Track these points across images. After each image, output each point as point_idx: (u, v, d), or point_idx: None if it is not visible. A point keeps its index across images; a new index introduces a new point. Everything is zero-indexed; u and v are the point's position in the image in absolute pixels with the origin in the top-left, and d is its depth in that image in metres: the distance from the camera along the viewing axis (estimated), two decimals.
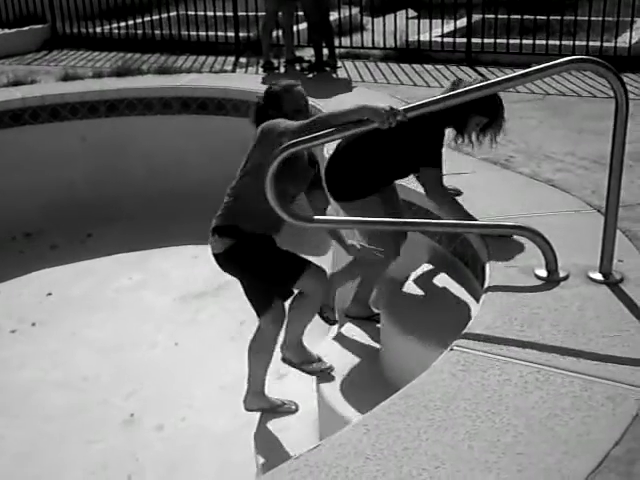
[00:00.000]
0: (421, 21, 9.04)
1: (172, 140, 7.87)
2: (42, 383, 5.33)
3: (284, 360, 4.25)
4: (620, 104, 3.31)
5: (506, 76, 3.48)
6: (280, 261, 3.98)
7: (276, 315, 4.08)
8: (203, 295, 6.32)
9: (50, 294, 6.54)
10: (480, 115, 4.02)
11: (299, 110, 3.99)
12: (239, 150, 7.43)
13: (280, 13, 8.58)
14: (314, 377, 4.25)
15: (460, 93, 3.43)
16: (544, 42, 8.20)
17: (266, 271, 3.98)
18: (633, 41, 8.13)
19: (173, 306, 6.24)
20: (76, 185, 7.88)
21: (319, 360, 4.25)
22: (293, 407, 4.37)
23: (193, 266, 6.72)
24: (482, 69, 8.16)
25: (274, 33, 8.95)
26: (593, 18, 8.47)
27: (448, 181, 4.22)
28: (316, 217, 3.77)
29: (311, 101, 6.90)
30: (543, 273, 3.57)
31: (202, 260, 6.78)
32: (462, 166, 5.19)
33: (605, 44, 8.06)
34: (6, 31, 10.82)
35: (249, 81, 8.01)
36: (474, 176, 5.02)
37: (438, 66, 8.38)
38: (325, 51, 8.68)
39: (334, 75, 8.37)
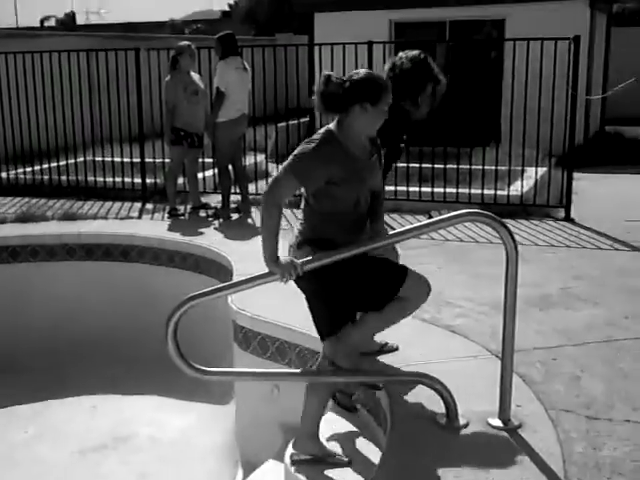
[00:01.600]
0: None
1: (74, 287, 7.77)
2: None
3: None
4: (510, 254, 3.47)
5: (399, 230, 3.62)
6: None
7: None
8: (103, 448, 6.09)
9: None
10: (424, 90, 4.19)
11: None
12: (143, 297, 7.46)
13: (185, 160, 8.74)
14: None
15: (368, 243, 3.55)
16: (442, 190, 8.54)
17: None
18: (524, 189, 8.55)
19: (71, 461, 5.98)
20: None
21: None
22: (345, 459, 3.76)
23: (92, 417, 6.50)
24: (409, 217, 8.40)
25: (180, 180, 9.08)
26: (487, 167, 8.91)
27: None
28: (214, 369, 3.73)
29: (216, 249, 7.02)
30: (443, 420, 3.60)
31: (101, 411, 6.61)
32: None
33: (499, 192, 8.46)
34: None
35: (155, 228, 8.04)
36: None
37: None
38: (237, 197, 8.82)
39: (249, 220, 8.47)
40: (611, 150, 13.23)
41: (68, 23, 42.84)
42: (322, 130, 3.54)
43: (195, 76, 8.66)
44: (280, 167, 3.51)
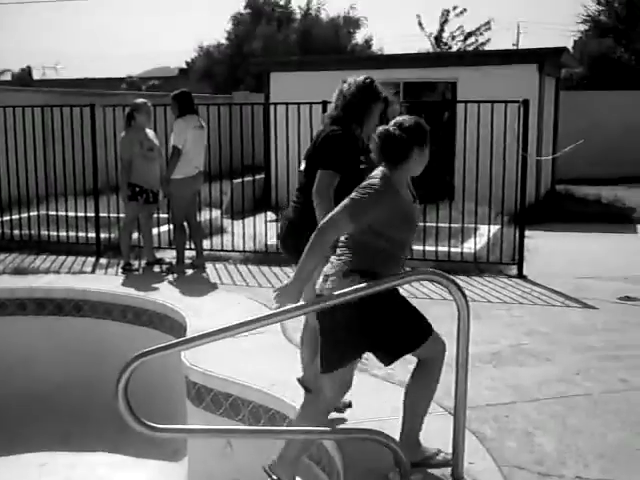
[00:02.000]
0: (279, 224, 9.40)
1: (25, 341, 7.63)
2: None
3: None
4: (461, 311, 3.51)
5: (352, 288, 3.63)
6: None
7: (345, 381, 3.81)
8: None
9: None
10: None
11: None
12: (95, 352, 7.35)
13: (140, 216, 8.72)
14: None
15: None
16: None
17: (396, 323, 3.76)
18: (477, 247, 8.67)
19: None
20: None
21: (439, 451, 3.89)
22: None
23: (40, 476, 6.33)
24: None
25: (134, 235, 9.05)
26: (441, 224, 9.03)
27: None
28: (165, 426, 3.67)
29: (169, 304, 6.98)
30: (397, 478, 3.59)
31: (51, 468, 6.44)
32: None
33: (452, 249, 8.56)
34: None
35: (108, 283, 7.97)
36: None
37: (285, 269, 8.61)
38: (192, 253, 8.80)
39: (204, 276, 8.44)
40: (562, 208, 13.51)
41: (24, 78, 42.66)
42: (378, 175, 3.69)
43: (150, 133, 8.70)
44: (338, 207, 3.61)
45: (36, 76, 45.26)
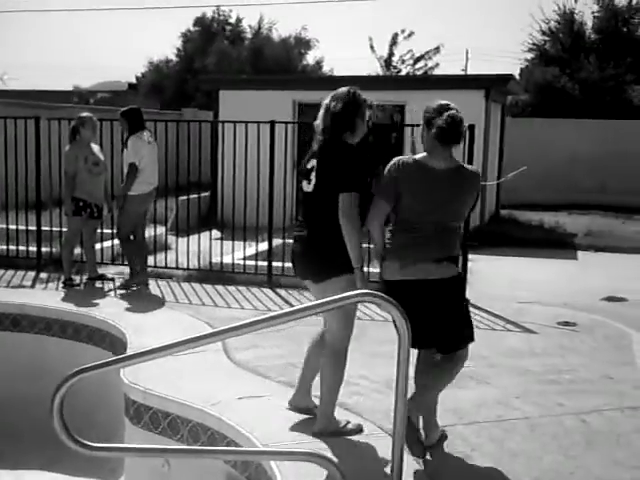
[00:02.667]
0: (224, 242, 9.36)
1: None
2: None
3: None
4: (402, 335, 3.51)
5: (291, 309, 3.63)
6: None
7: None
8: None
9: None
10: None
11: None
12: (33, 368, 7.21)
13: (83, 230, 8.61)
14: None
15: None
16: None
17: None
18: None
19: None
20: None
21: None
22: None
23: None
24: (282, 291, 8.43)
25: (77, 250, 8.91)
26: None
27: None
28: (101, 445, 3.60)
29: (110, 320, 6.87)
30: None
31: None
32: (259, 388, 5.23)
33: None
34: None
35: (48, 297, 7.83)
36: (271, 398, 5.06)
37: (240, 287, 8.58)
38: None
39: (146, 292, 8.35)
40: (505, 233, 13.68)
41: None
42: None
43: (95, 147, 8.60)
44: None
45: None
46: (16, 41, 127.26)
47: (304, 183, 4.46)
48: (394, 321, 3.49)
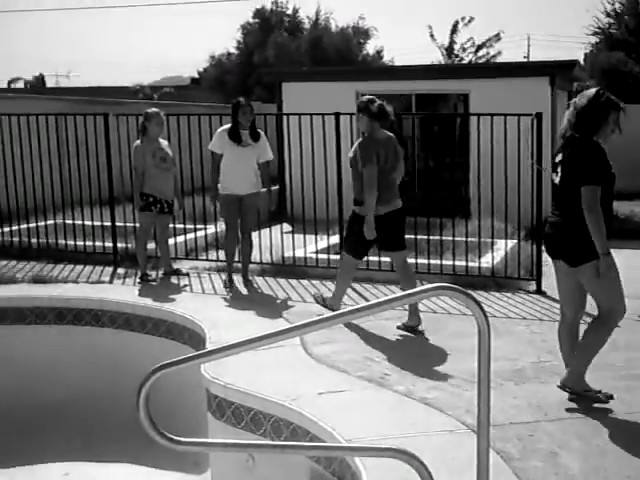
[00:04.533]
0: (295, 236, 9.40)
1: (45, 351, 7.66)
2: None
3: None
4: (482, 329, 3.50)
5: (369, 303, 3.63)
6: None
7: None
8: None
9: None
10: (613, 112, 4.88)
11: None
12: (114, 362, 7.38)
13: (156, 226, 8.75)
14: None
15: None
16: (414, 261, 8.61)
17: None
18: (495, 261, 8.66)
19: None
20: None
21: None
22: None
23: None
24: (357, 285, 8.44)
25: (151, 245, 9.06)
26: (457, 238, 9.02)
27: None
28: (187, 440, 3.67)
29: (189, 315, 6.98)
30: None
31: (73, 478, 6.45)
32: (338, 384, 5.27)
33: (470, 264, 8.54)
34: None
35: (126, 293, 7.99)
36: (350, 393, 5.09)
37: (314, 281, 8.62)
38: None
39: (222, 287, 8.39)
40: None
41: (37, 86, 42.88)
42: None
43: (164, 142, 8.72)
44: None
45: (49, 84, 45.54)
46: (80, 39, 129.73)
47: (553, 175, 5.00)
48: (473, 312, 3.47)
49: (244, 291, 8.25)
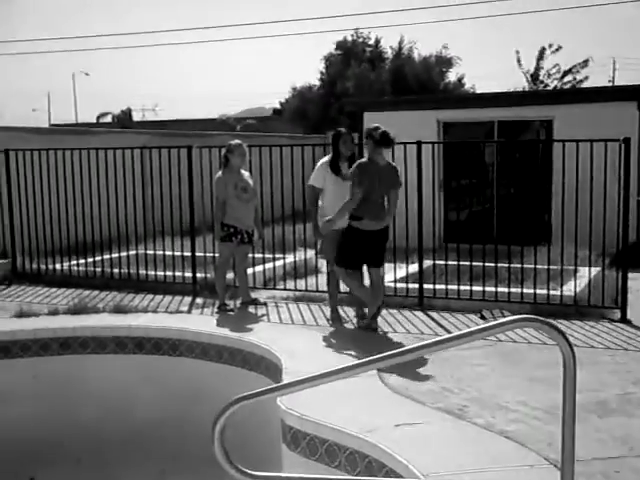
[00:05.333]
0: None
1: (125, 380, 7.75)
2: None
3: None
4: (567, 362, 3.36)
5: (450, 335, 3.54)
6: None
7: None
8: None
9: None
10: None
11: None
12: (191, 392, 7.42)
13: (235, 256, 8.81)
14: None
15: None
16: (493, 289, 8.44)
17: None
18: (577, 289, 8.41)
19: None
20: (22, 424, 7.64)
21: None
22: None
23: None
24: (434, 314, 8.32)
25: (230, 274, 9.12)
26: (539, 266, 8.82)
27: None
28: (261, 474, 3.63)
29: (266, 345, 6.95)
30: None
31: None
32: (415, 415, 5.15)
33: (551, 292, 8.32)
34: None
35: (203, 323, 8.03)
36: (428, 426, 4.97)
37: (391, 310, 8.53)
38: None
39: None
40: None
41: (124, 119, 44.02)
42: None
43: (245, 174, 8.79)
44: None
45: (136, 118, 46.77)
46: (165, 74, 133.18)
47: None
48: (559, 345, 3.35)
49: (321, 320, 8.19)
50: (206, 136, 19.05)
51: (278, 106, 38.92)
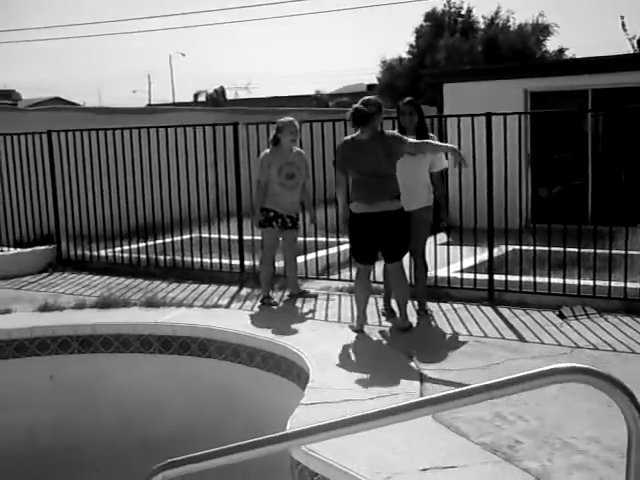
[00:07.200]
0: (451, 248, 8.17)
1: (148, 382, 6.96)
2: None
3: None
4: (632, 432, 2.28)
5: (464, 389, 2.50)
6: None
7: None
8: None
9: None
10: None
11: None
12: (219, 397, 6.53)
13: (282, 242, 7.86)
14: None
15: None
16: (576, 282, 7.20)
17: None
18: None
19: None
20: (38, 428, 6.95)
21: None
22: None
23: None
24: (505, 310, 7.17)
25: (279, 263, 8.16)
26: (632, 252, 7.49)
27: None
28: None
29: (296, 349, 5.96)
30: None
31: None
32: (452, 454, 4.07)
33: None
34: (6, 252, 10.32)
35: (239, 320, 7.09)
36: (462, 471, 3.88)
37: (456, 305, 7.42)
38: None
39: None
40: None
41: (217, 98, 43.83)
42: None
43: (296, 153, 7.77)
44: None
45: (229, 96, 46.55)
46: (261, 53, 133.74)
47: None
48: (622, 410, 2.28)
49: (373, 318, 7.12)
50: (285, 112, 18.11)
51: (375, 81, 37.84)
